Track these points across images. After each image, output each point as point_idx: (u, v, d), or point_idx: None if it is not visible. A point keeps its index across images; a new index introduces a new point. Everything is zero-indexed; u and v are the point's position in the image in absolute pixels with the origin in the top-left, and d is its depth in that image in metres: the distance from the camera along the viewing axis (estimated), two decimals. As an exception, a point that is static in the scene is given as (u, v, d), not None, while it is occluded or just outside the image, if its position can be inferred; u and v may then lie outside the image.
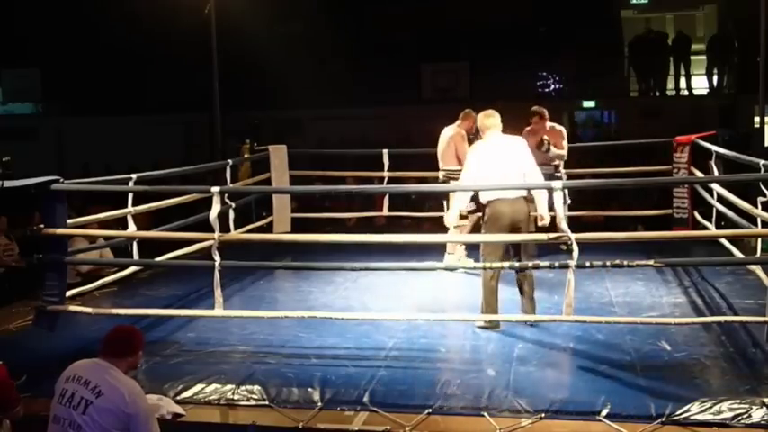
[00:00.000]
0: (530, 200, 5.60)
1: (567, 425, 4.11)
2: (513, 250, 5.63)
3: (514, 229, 5.48)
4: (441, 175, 7.35)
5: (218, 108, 10.48)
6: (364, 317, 5.60)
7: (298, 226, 8.53)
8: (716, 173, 6.94)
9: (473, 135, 7.11)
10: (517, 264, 5.98)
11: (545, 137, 7.44)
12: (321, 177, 9.83)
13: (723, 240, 6.57)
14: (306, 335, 5.43)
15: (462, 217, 7.14)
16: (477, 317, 5.51)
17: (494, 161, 5.55)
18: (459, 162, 7.02)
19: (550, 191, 5.17)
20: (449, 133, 7.31)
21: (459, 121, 7.33)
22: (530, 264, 5.65)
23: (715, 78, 16.05)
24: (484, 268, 6.29)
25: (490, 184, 5.47)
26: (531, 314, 5.53)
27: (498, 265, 6.15)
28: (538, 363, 4.88)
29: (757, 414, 4.03)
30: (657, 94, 16.46)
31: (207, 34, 10.32)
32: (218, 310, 5.27)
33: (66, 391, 3.41)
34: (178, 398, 4.51)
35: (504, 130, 6.65)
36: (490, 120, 5.74)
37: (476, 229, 7.23)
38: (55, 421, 3.41)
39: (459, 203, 5.85)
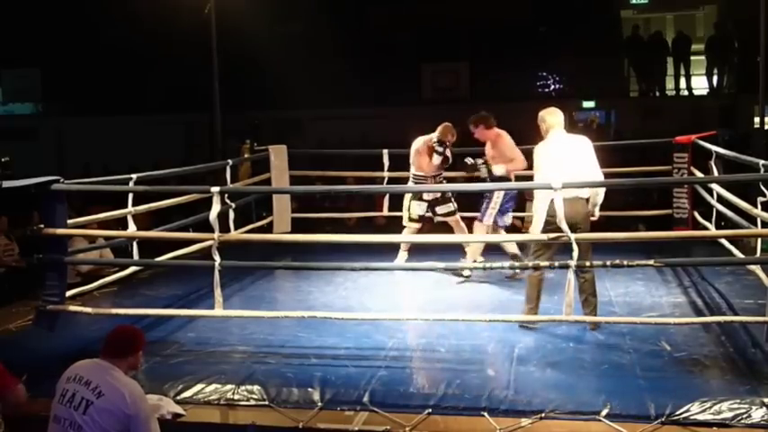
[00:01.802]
0: (587, 199, 5.39)
1: (567, 425, 4.11)
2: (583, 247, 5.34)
3: (573, 230, 5.10)
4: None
5: (219, 108, 10.48)
6: (364, 317, 5.60)
7: (298, 226, 8.53)
8: (716, 173, 6.93)
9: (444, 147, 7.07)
10: (517, 264, 6.00)
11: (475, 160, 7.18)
12: (321, 177, 9.83)
13: (723, 240, 6.57)
14: (306, 335, 5.43)
15: (413, 220, 7.18)
16: (481, 317, 5.50)
17: (563, 161, 5.31)
18: (419, 168, 7.15)
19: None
20: (419, 144, 7.23)
21: (435, 133, 7.17)
22: (530, 264, 5.66)
23: (715, 78, 16.07)
24: (484, 268, 6.30)
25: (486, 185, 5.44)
26: (591, 315, 5.40)
27: (498, 265, 6.17)
28: (538, 363, 4.88)
29: (757, 414, 4.03)
30: (657, 94, 16.48)
31: (207, 34, 10.32)
32: (218, 310, 5.27)
33: (66, 391, 3.41)
34: (178, 398, 4.51)
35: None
36: (553, 118, 5.52)
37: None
38: (55, 421, 3.42)
39: (540, 208, 5.39)
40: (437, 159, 7.08)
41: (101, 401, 3.34)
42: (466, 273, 6.90)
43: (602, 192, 5.47)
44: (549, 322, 5.39)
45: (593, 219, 5.54)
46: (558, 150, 5.42)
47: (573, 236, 4.87)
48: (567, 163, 5.30)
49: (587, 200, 5.40)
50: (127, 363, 3.52)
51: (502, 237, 6.96)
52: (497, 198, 6.78)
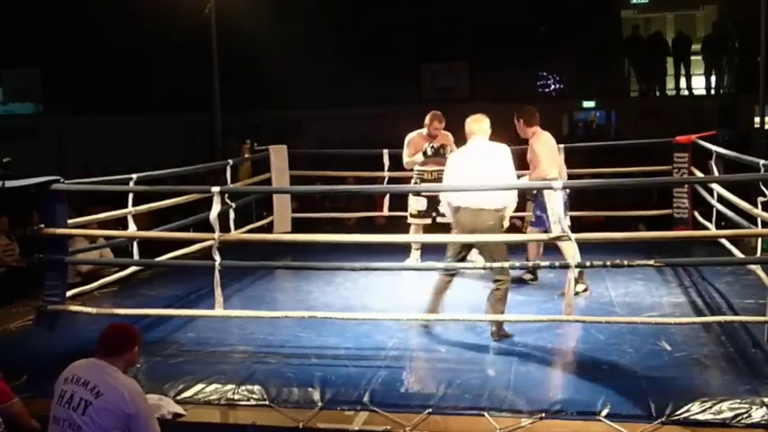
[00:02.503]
0: (501, 210, 5.34)
1: (567, 425, 4.11)
2: (466, 253, 5.53)
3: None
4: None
5: (219, 108, 10.48)
6: (364, 317, 5.60)
7: (298, 226, 8.53)
8: (716, 173, 6.94)
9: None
10: (518, 264, 5.98)
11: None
12: (321, 177, 9.83)
13: (723, 240, 6.57)
14: (306, 335, 5.43)
15: (414, 216, 7.23)
16: (481, 317, 5.50)
17: (471, 169, 5.35)
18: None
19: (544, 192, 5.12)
20: (411, 135, 7.38)
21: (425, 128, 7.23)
22: (530, 264, 5.66)
23: (713, 78, 16.08)
24: (484, 268, 6.27)
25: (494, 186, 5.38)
26: (495, 325, 5.36)
27: (498, 265, 6.15)
28: (538, 363, 4.88)
29: (757, 414, 4.03)
30: (657, 94, 16.48)
31: (207, 34, 10.32)
32: (218, 310, 5.27)
33: (65, 392, 3.41)
34: (178, 398, 4.51)
35: (501, 131, 6.58)
36: (476, 125, 5.50)
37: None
38: (55, 422, 3.41)
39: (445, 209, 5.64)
40: (419, 158, 7.11)
41: (100, 401, 3.33)
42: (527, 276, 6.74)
43: (513, 203, 5.43)
44: (549, 322, 5.38)
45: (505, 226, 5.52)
46: (468, 159, 5.42)
47: (574, 236, 4.86)
48: (473, 172, 5.30)
49: (499, 211, 5.30)
50: (123, 360, 3.51)
51: (499, 237, 6.89)
52: (553, 207, 5.72)
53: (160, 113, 17.05)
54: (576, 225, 5.23)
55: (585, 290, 6.28)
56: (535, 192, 6.32)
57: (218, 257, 5.16)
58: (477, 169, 5.32)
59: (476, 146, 5.46)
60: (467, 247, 5.50)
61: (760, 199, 5.35)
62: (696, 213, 7.85)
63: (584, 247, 4.90)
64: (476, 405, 4.26)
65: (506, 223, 5.48)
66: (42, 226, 5.36)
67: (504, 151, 5.44)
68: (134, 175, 5.97)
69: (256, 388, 4.53)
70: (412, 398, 4.38)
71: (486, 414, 4.18)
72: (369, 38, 17.51)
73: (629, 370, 4.69)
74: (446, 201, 5.51)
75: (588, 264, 5.03)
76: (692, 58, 16.17)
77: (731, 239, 6.48)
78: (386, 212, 8.61)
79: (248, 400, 4.47)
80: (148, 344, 5.18)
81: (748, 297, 5.99)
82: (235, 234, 7.03)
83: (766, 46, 9.37)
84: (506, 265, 5.70)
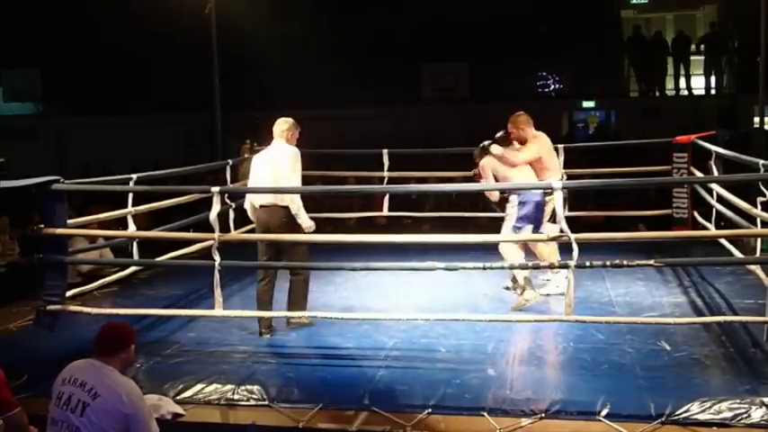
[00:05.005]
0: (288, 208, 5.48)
1: (567, 425, 4.11)
2: (271, 255, 5.63)
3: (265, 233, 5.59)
4: None
5: (219, 108, 10.48)
6: (364, 317, 5.61)
7: (297, 226, 8.51)
8: (716, 173, 6.93)
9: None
10: (517, 264, 5.97)
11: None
12: (321, 177, 9.82)
13: (723, 240, 6.56)
14: (306, 335, 5.43)
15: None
16: (481, 317, 5.50)
17: (259, 170, 5.66)
18: None
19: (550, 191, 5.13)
20: None
21: None
22: (529, 264, 5.63)
23: (713, 79, 16.07)
24: (486, 268, 6.24)
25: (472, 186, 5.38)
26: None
27: (498, 265, 6.15)
28: (538, 363, 4.88)
29: (757, 414, 4.04)
30: (657, 94, 16.48)
31: (207, 34, 10.32)
32: (218, 310, 5.27)
33: (62, 393, 3.40)
34: (178, 398, 4.52)
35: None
36: (274, 128, 5.75)
37: None
38: (53, 424, 3.40)
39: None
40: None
41: (97, 402, 3.33)
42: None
43: (291, 200, 5.48)
44: (549, 322, 5.39)
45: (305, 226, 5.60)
46: (256, 160, 5.77)
47: (573, 236, 4.86)
48: (255, 172, 5.66)
49: (287, 209, 5.49)
50: (120, 360, 3.50)
51: (497, 237, 6.85)
52: (511, 210, 6.18)
53: (160, 113, 17.02)
54: (576, 225, 5.22)
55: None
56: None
57: (217, 257, 5.16)
58: (257, 170, 5.67)
59: (268, 148, 5.76)
60: (271, 248, 5.64)
61: (760, 199, 5.35)
62: (696, 213, 7.85)
63: (584, 247, 4.90)
64: (475, 405, 4.27)
65: (306, 224, 5.56)
66: (42, 226, 5.37)
67: (281, 153, 5.62)
68: (134, 176, 5.98)
69: (256, 388, 4.53)
70: (412, 398, 4.38)
71: (485, 414, 4.19)
72: (368, 38, 17.49)
73: (629, 370, 4.69)
74: (249, 200, 5.72)
75: (588, 264, 5.03)
76: (692, 58, 16.16)
77: (731, 239, 6.48)
78: (386, 212, 8.60)
79: (248, 400, 4.48)
80: (148, 344, 5.19)
81: (748, 297, 6.00)
82: (235, 234, 7.03)
83: (766, 46, 9.36)
84: (506, 264, 5.69)
